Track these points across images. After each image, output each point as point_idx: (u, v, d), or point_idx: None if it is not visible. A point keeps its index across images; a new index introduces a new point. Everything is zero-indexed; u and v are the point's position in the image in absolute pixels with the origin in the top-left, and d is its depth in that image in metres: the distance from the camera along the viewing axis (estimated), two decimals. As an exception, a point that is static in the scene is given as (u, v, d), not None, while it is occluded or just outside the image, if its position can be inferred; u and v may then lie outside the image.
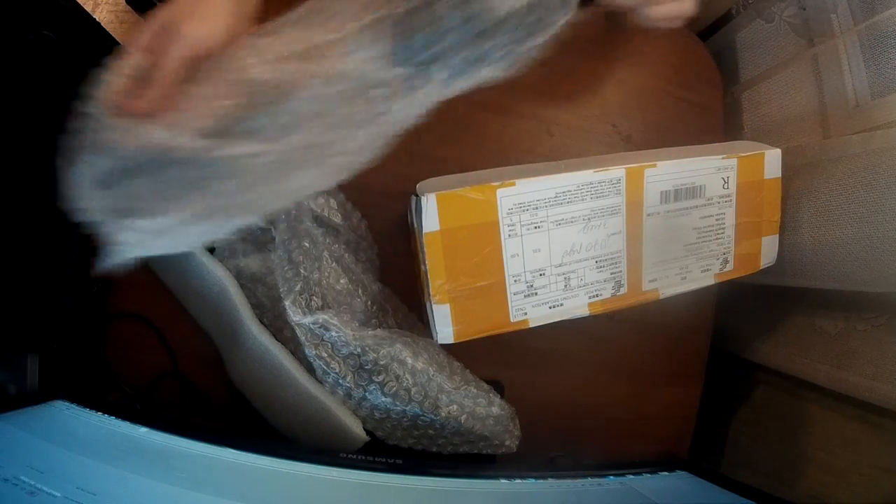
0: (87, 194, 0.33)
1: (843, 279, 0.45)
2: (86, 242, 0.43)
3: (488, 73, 0.37)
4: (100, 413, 0.41)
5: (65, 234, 0.42)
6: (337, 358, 0.43)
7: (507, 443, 0.47)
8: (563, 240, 0.40)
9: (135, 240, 0.33)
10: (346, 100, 0.35)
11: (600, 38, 0.53)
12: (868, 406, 0.45)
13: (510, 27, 0.37)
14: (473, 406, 0.46)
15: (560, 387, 0.52)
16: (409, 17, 0.35)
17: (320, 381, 0.44)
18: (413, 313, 0.50)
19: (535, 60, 0.52)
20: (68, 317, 0.43)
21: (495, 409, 0.46)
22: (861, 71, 0.48)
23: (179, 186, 0.33)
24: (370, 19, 0.35)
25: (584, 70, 0.53)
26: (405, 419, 0.45)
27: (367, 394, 0.44)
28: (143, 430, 0.40)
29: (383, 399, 0.44)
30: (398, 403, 0.44)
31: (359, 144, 0.36)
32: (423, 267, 0.39)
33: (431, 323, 0.41)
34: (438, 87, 0.37)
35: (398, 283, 0.49)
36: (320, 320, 0.42)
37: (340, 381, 0.43)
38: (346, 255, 0.47)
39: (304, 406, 0.44)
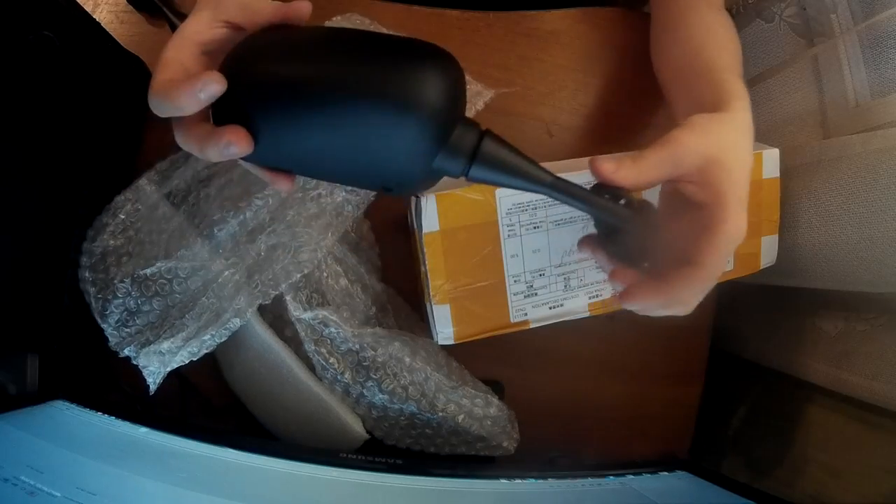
0: (114, 335, 0.41)
1: (843, 279, 0.45)
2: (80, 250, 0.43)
3: None
4: (100, 413, 0.41)
5: (65, 233, 0.42)
6: (336, 354, 0.44)
7: (505, 444, 0.47)
8: (563, 240, 0.40)
9: (160, 362, 0.39)
10: (296, 200, 0.42)
11: (600, 39, 0.53)
12: (868, 406, 0.45)
13: None
14: (471, 406, 0.46)
15: (560, 387, 0.52)
16: None
17: (319, 378, 0.44)
18: (415, 313, 0.50)
19: (536, 61, 0.52)
20: (68, 317, 0.43)
21: (493, 410, 0.46)
22: (861, 71, 0.48)
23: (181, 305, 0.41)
24: None
25: (584, 70, 0.53)
26: (402, 418, 0.45)
27: (364, 390, 0.44)
28: (143, 430, 0.40)
29: (380, 396, 0.44)
30: (395, 401, 0.44)
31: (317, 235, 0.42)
32: (422, 267, 0.39)
33: (431, 323, 0.41)
34: None
35: (400, 284, 0.50)
36: (320, 316, 0.42)
37: (339, 377, 0.43)
38: (348, 254, 0.47)
39: (303, 405, 0.44)
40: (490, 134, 0.27)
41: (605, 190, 0.30)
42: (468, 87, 0.47)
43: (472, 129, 0.27)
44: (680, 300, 0.31)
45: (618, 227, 0.30)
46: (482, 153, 0.26)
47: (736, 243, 0.31)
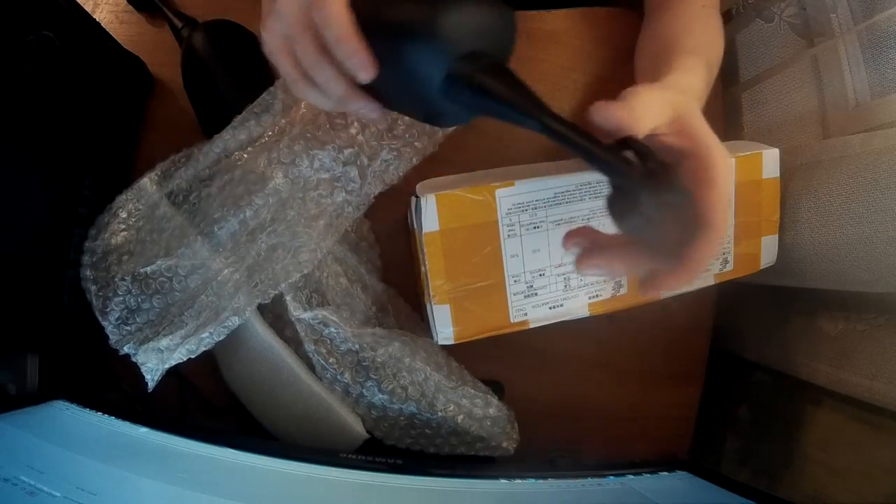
0: (115, 332, 0.41)
1: (842, 279, 0.45)
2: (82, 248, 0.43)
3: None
4: (100, 413, 0.41)
5: (65, 233, 0.42)
6: (335, 354, 0.44)
7: (505, 445, 0.47)
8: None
9: (158, 359, 0.40)
10: (297, 200, 0.43)
11: (600, 39, 0.53)
12: (868, 406, 0.45)
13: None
14: (471, 406, 0.46)
15: (560, 387, 0.52)
16: None
17: (319, 378, 0.45)
18: (416, 314, 0.50)
19: (536, 61, 0.52)
20: (68, 317, 0.43)
21: (492, 411, 0.46)
22: (861, 71, 0.48)
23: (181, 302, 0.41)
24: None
25: (584, 70, 0.53)
26: (402, 418, 0.45)
27: (363, 391, 0.44)
28: (143, 430, 0.40)
29: (380, 396, 0.44)
30: (395, 401, 0.44)
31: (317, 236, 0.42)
32: (422, 267, 0.39)
33: (431, 323, 0.41)
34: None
35: (400, 284, 0.50)
36: (319, 316, 0.42)
37: (338, 377, 0.44)
38: (348, 254, 0.47)
39: (303, 404, 0.44)
40: (496, 67, 0.28)
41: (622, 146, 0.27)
42: None
43: (481, 60, 0.28)
44: (700, 272, 0.30)
45: (630, 191, 0.27)
46: (479, 79, 0.27)
47: (730, 185, 0.31)
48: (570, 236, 0.33)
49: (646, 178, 0.26)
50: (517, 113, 0.27)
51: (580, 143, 0.26)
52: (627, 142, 0.27)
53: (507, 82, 0.28)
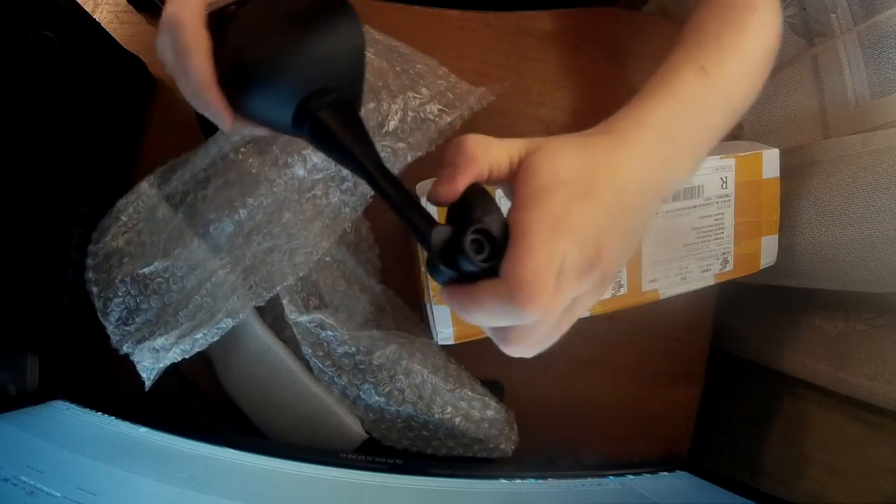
0: (115, 332, 0.42)
1: (842, 279, 0.45)
2: (86, 242, 0.43)
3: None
4: (100, 413, 0.41)
5: (65, 233, 0.42)
6: (332, 356, 0.44)
7: (503, 446, 0.47)
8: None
9: (153, 358, 0.40)
10: (293, 202, 0.42)
11: (600, 39, 0.53)
12: (868, 406, 0.45)
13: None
14: (468, 409, 0.46)
15: (560, 387, 0.52)
16: None
17: (317, 380, 0.44)
18: (415, 314, 0.50)
19: (536, 61, 0.52)
20: (68, 317, 0.43)
21: (490, 413, 0.46)
22: (861, 71, 0.48)
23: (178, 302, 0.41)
24: None
25: (584, 71, 0.53)
26: (399, 420, 0.45)
27: (361, 393, 0.44)
28: (143, 430, 0.40)
29: (377, 399, 0.44)
30: (392, 403, 0.44)
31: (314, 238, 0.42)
32: (422, 267, 0.39)
33: (431, 324, 0.41)
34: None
35: (400, 285, 0.49)
36: (316, 319, 0.42)
37: (335, 379, 0.44)
38: (347, 256, 0.47)
39: (302, 405, 0.44)
40: (339, 104, 0.29)
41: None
42: (456, 87, 0.47)
43: (327, 97, 0.29)
44: (482, 314, 0.25)
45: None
46: (318, 114, 0.29)
47: (546, 273, 0.23)
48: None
49: (442, 253, 0.24)
50: (343, 152, 0.28)
51: (393, 198, 0.26)
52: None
53: (343, 120, 0.29)
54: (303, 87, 0.29)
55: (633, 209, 0.27)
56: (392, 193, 0.26)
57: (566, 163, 0.26)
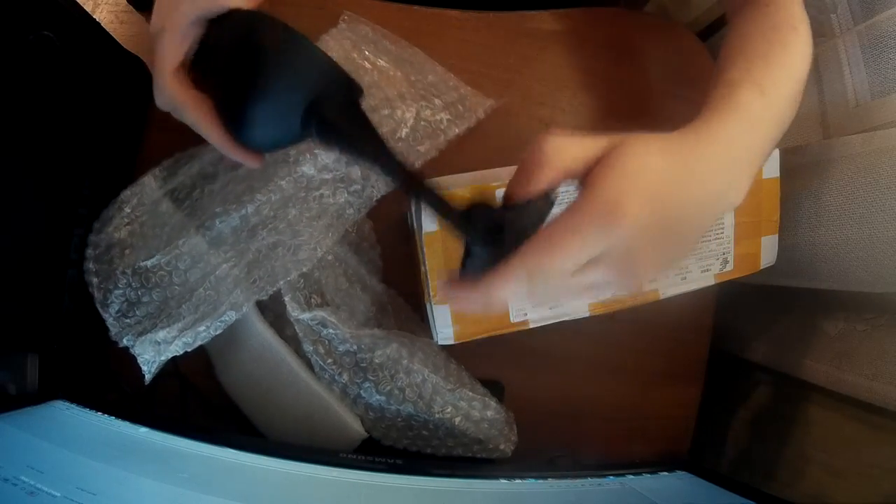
0: (114, 324, 0.42)
1: (842, 279, 0.45)
2: (86, 243, 0.43)
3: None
4: (100, 413, 0.41)
5: (65, 233, 0.42)
6: (333, 355, 0.44)
7: (502, 447, 0.47)
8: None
9: (154, 351, 0.40)
10: (300, 199, 0.43)
11: (600, 39, 0.53)
12: (868, 406, 0.45)
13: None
14: (468, 409, 0.46)
15: (560, 387, 0.52)
16: None
17: (318, 378, 0.45)
18: (416, 314, 0.50)
19: (536, 61, 0.52)
20: (68, 317, 0.43)
21: (490, 413, 0.46)
22: (861, 71, 0.48)
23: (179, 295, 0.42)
24: None
25: (584, 70, 0.53)
26: (399, 419, 0.45)
27: (361, 391, 0.44)
28: (143, 430, 0.40)
29: (377, 397, 0.44)
30: (392, 402, 0.44)
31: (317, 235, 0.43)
32: (422, 267, 0.39)
33: (431, 323, 0.41)
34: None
35: (401, 284, 0.49)
36: (318, 317, 0.42)
37: (336, 377, 0.44)
38: (349, 255, 0.47)
39: (302, 404, 0.44)
40: (343, 106, 0.31)
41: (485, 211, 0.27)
42: (466, 98, 0.49)
43: (332, 100, 0.31)
44: (493, 293, 0.26)
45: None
46: (322, 124, 0.31)
47: (593, 227, 0.25)
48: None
49: (462, 226, 0.27)
50: (352, 146, 0.31)
51: (411, 184, 0.29)
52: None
53: (350, 120, 0.31)
54: (298, 104, 0.31)
55: (693, 223, 0.29)
56: (403, 177, 0.29)
57: (648, 165, 0.27)
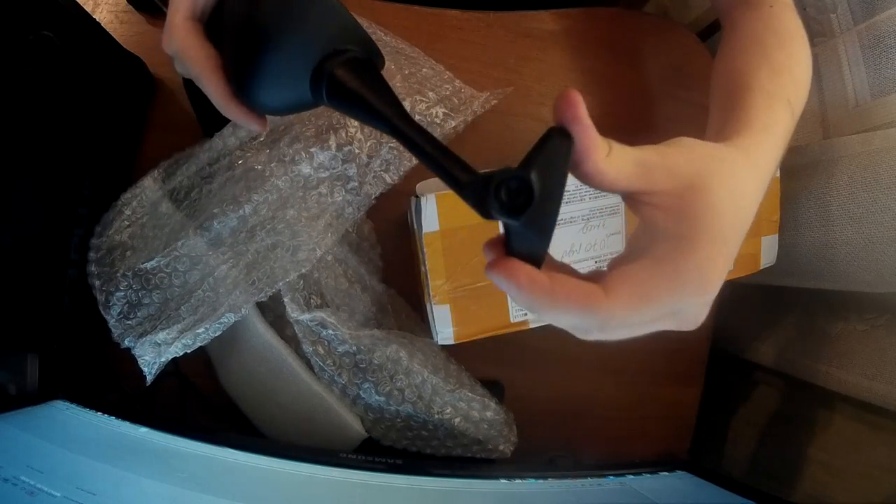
0: (117, 326, 0.42)
1: (842, 279, 0.45)
2: (86, 243, 0.43)
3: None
4: (100, 413, 0.41)
5: (65, 234, 0.42)
6: (333, 355, 0.44)
7: (502, 447, 0.47)
8: (563, 240, 0.40)
9: (155, 352, 0.40)
10: (297, 199, 0.43)
11: (600, 39, 0.53)
12: (868, 406, 0.45)
13: None
14: (468, 409, 0.46)
15: (560, 387, 0.52)
16: None
17: (317, 378, 0.45)
18: (416, 314, 0.50)
19: (536, 61, 0.52)
20: (68, 317, 0.43)
21: (490, 414, 0.46)
22: (861, 71, 0.48)
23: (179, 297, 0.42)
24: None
25: (584, 70, 0.53)
26: (399, 419, 0.45)
27: (361, 392, 0.44)
28: (143, 430, 0.40)
29: (377, 398, 0.44)
30: (391, 403, 0.44)
31: (316, 235, 0.43)
32: (422, 267, 0.39)
33: (431, 324, 0.41)
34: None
35: (401, 284, 0.49)
36: (317, 318, 0.42)
37: (335, 378, 0.44)
38: (349, 255, 0.47)
39: (302, 404, 0.44)
40: (357, 62, 0.29)
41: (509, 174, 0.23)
42: (461, 91, 0.48)
43: (344, 55, 0.29)
44: (562, 314, 0.24)
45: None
46: (336, 72, 0.28)
47: (691, 296, 0.24)
48: (487, 245, 0.26)
49: (479, 196, 0.23)
50: (366, 107, 0.28)
51: (423, 147, 0.25)
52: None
53: (363, 78, 0.28)
54: (310, 57, 0.29)
55: (737, 238, 0.27)
56: (422, 143, 0.26)
57: (741, 209, 0.26)
